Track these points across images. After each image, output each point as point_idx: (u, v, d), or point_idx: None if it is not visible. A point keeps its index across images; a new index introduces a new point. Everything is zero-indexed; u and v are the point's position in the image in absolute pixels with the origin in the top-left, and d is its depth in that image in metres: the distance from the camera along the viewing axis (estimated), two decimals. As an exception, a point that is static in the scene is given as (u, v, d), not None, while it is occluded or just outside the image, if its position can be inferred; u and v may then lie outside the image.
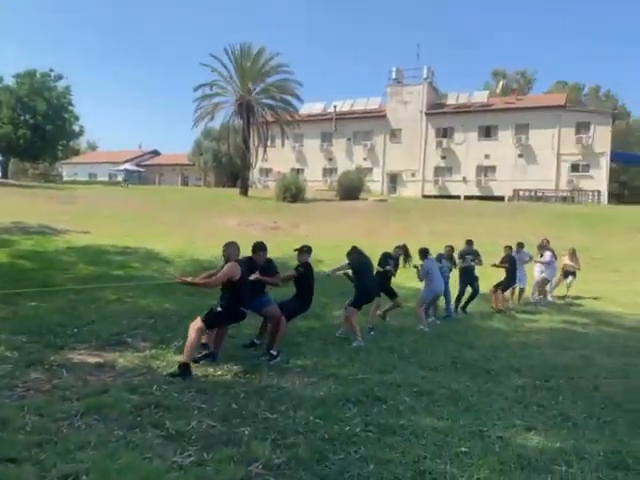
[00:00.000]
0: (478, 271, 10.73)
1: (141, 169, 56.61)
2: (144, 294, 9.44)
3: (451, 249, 10.30)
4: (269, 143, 37.29)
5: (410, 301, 9.50)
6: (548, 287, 12.50)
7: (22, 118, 41.29)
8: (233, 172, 46.04)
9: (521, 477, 3.48)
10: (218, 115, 37.84)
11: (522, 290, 12.01)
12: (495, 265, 11.19)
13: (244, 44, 35.04)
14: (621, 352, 7.57)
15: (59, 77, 43.39)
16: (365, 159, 43.87)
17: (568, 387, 5.67)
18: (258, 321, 6.85)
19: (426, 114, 42.30)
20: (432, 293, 9.08)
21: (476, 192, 39.60)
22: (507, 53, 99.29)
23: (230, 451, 3.60)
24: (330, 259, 11.32)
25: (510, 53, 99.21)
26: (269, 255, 6.47)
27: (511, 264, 11.06)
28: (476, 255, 10.64)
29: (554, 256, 12.47)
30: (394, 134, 43.43)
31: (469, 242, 10.89)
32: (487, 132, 40.79)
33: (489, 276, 11.30)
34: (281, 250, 9.71)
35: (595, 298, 12.64)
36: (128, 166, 53.84)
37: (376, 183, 42.51)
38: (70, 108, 43.62)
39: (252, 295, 6.10)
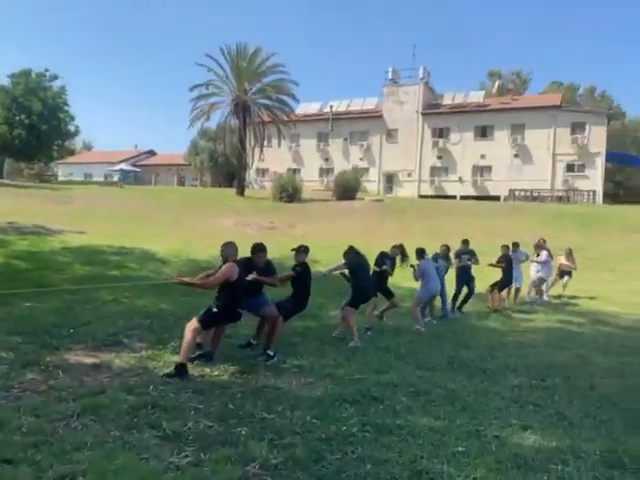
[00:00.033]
0: (474, 271, 10.76)
1: (137, 169, 56.50)
2: (140, 294, 9.42)
3: (447, 248, 10.32)
4: (265, 143, 37.31)
5: (407, 301, 9.51)
6: (544, 287, 12.54)
7: (17, 118, 41.13)
8: (229, 172, 46.01)
9: (518, 476, 3.49)
10: (214, 115, 37.88)
11: (518, 290, 12.04)
12: (491, 265, 11.22)
13: (240, 44, 35.10)
14: (617, 351, 7.60)
15: (54, 77, 43.24)
16: (361, 159, 43.89)
17: (564, 386, 5.69)
18: (255, 321, 6.84)
19: (422, 114, 42.36)
20: (428, 293, 9.08)
21: (472, 192, 39.69)
22: (502, 53, 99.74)
23: (227, 451, 3.59)
24: (327, 259, 11.32)
25: (505, 53, 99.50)
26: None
27: (507, 264, 11.09)
28: (472, 255, 10.67)
29: (550, 256, 12.52)
30: (390, 134, 43.47)
31: (465, 242, 10.92)
32: (483, 132, 40.88)
33: (485, 276, 11.32)
34: (278, 250, 9.69)
35: (591, 298, 12.69)
36: (124, 166, 53.79)
37: (372, 183, 42.55)
38: (65, 108, 43.48)
39: (249, 295, 6.11)
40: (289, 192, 31.87)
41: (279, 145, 40.61)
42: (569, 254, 13.15)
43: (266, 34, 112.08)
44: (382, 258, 8.55)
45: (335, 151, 45.06)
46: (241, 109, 34.54)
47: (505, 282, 11.13)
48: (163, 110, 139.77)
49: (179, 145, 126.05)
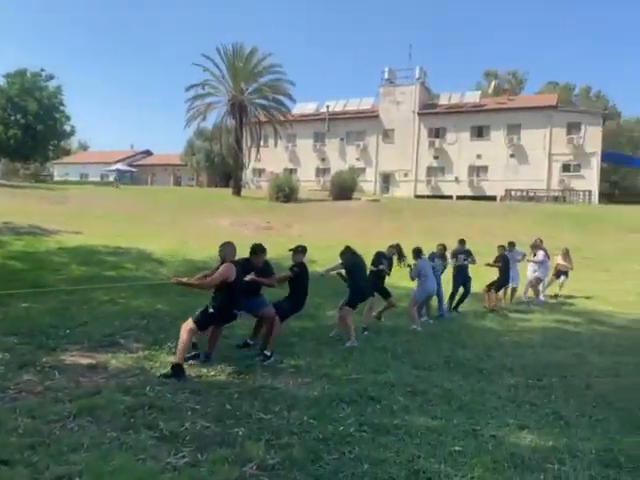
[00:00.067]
0: (471, 270, 10.77)
1: (133, 169, 56.39)
2: (136, 295, 9.39)
3: (443, 247, 10.34)
4: (262, 143, 37.28)
5: (404, 301, 9.52)
6: (541, 286, 12.57)
7: (13, 118, 40.94)
8: (226, 172, 45.95)
9: (514, 475, 3.50)
10: (210, 115, 37.89)
11: (514, 289, 12.07)
12: (488, 264, 11.24)
13: (236, 44, 35.07)
14: (612, 351, 7.63)
15: (50, 77, 43.08)
16: (358, 159, 43.93)
17: (560, 386, 5.71)
18: (251, 322, 6.84)
19: (419, 114, 42.43)
20: (425, 293, 9.10)
21: (468, 192, 39.78)
22: (499, 53, 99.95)
23: (224, 452, 3.59)
24: (323, 259, 11.32)
25: (502, 53, 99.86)
26: (263, 256, 6.46)
27: (504, 264, 11.12)
28: (469, 254, 10.69)
29: (547, 255, 12.56)
30: (387, 134, 43.52)
31: (461, 241, 10.94)
32: (479, 132, 40.98)
33: (482, 276, 11.35)
34: (274, 250, 9.67)
35: (587, 297, 12.73)
36: (120, 166, 53.67)
37: (369, 183, 42.59)
38: (61, 108, 43.30)
39: (247, 296, 6.11)
40: (285, 192, 31.86)
41: (275, 145, 40.58)
42: (566, 254, 13.20)
43: (263, 34, 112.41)
44: (379, 258, 8.55)
45: (332, 151, 45.09)
46: (237, 109, 34.50)
47: (502, 282, 11.16)
48: (159, 110, 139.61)
49: (175, 145, 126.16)
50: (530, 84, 66.99)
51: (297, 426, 4.12)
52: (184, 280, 5.90)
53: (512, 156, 39.57)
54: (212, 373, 5.44)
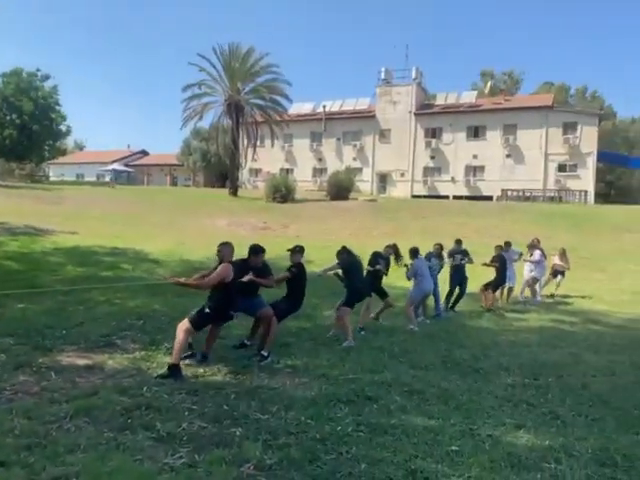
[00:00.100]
0: (468, 270, 10.79)
1: (129, 169, 56.27)
2: (133, 295, 9.37)
3: (440, 247, 10.34)
4: (258, 143, 37.28)
5: (401, 301, 9.53)
6: (537, 286, 12.61)
7: (8, 118, 40.75)
8: (222, 172, 45.91)
9: (511, 475, 3.51)
10: (207, 115, 37.70)
11: (511, 289, 12.09)
12: (485, 264, 11.26)
13: (232, 44, 35.06)
14: (608, 350, 7.66)
15: (46, 77, 42.90)
16: (355, 159, 43.94)
17: (557, 385, 5.73)
18: (248, 322, 6.83)
19: (415, 114, 42.47)
20: (421, 292, 9.11)
21: (465, 192, 39.86)
22: (494, 54, 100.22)
23: (221, 452, 3.59)
24: (320, 259, 11.33)
25: (497, 54, 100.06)
26: (259, 256, 6.45)
27: (501, 263, 11.15)
28: (465, 254, 10.71)
29: (543, 255, 12.59)
30: (383, 134, 43.56)
31: (458, 241, 10.96)
32: (475, 132, 41.05)
33: (478, 276, 11.37)
34: (272, 250, 9.65)
35: (582, 297, 12.78)
36: (116, 166, 53.58)
37: (366, 183, 42.62)
38: (57, 108, 43.17)
39: (245, 297, 6.11)
40: (282, 192, 31.85)
41: (272, 145, 40.55)
42: (563, 254, 13.24)
43: (260, 34, 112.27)
44: (375, 258, 8.56)
45: (328, 151, 45.09)
46: (234, 109, 34.49)
47: (499, 282, 11.19)
48: (156, 110, 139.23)
49: (172, 145, 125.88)
50: (526, 84, 67.30)
51: (294, 426, 4.12)
52: (182, 280, 5.89)
53: (508, 156, 39.66)
54: (209, 373, 5.43)
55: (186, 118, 35.34)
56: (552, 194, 37.25)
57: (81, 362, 5.54)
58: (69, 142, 65.36)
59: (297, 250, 6.76)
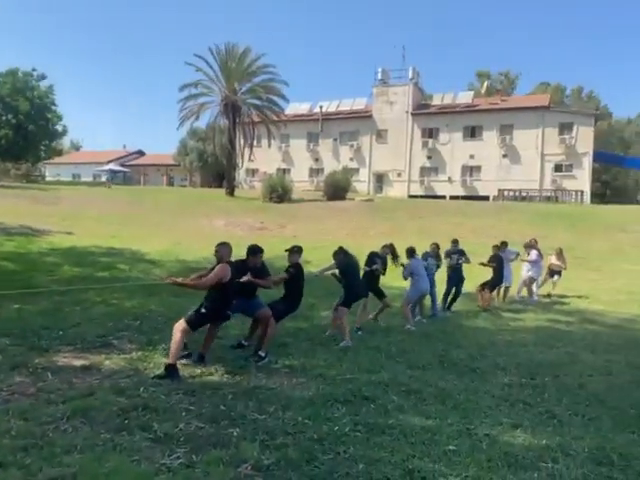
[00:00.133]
0: (465, 270, 10.80)
1: (126, 169, 56.13)
2: (130, 295, 9.36)
3: (437, 247, 10.34)
4: (255, 143, 37.23)
5: (398, 301, 9.53)
6: (534, 286, 12.64)
7: (4, 118, 40.56)
8: (219, 172, 45.86)
9: (508, 474, 3.52)
10: (204, 115, 37.74)
11: (507, 289, 12.12)
12: (482, 264, 11.28)
13: (228, 44, 35.01)
14: (604, 349, 7.68)
15: (42, 77, 42.77)
16: (351, 159, 43.96)
17: (553, 384, 5.74)
18: (245, 322, 6.83)
19: (412, 114, 42.52)
20: (418, 292, 9.11)
21: (461, 192, 39.94)
22: (490, 54, 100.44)
23: (219, 453, 3.58)
24: (317, 259, 11.32)
25: (493, 54, 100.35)
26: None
27: (498, 263, 11.17)
28: (462, 254, 10.72)
29: (540, 255, 12.62)
30: (380, 134, 43.59)
31: (455, 241, 10.98)
32: (472, 132, 41.13)
33: (475, 276, 11.38)
34: (268, 251, 9.65)
35: (579, 296, 12.81)
36: (112, 166, 53.43)
37: (362, 183, 42.63)
38: (53, 108, 43.03)
39: (243, 298, 6.10)
40: (279, 192, 31.83)
41: (269, 145, 40.52)
42: (560, 254, 13.27)
43: (256, 35, 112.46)
44: (372, 258, 8.55)
45: (325, 151, 45.10)
46: (231, 109, 34.45)
47: (495, 282, 11.20)
48: (152, 110, 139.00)
49: (168, 145, 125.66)
50: (522, 85, 67.55)
51: (292, 426, 4.12)
52: (179, 280, 5.88)
53: (505, 156, 39.75)
54: (206, 374, 5.42)
55: (183, 118, 35.30)
56: (548, 194, 37.37)
57: (78, 363, 5.52)
58: (65, 142, 65.14)
59: (295, 250, 6.76)
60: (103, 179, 50.01)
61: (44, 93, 42.19)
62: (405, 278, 9.14)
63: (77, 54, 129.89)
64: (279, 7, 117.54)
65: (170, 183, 55.89)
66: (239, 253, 6.27)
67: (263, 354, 6.01)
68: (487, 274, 11.26)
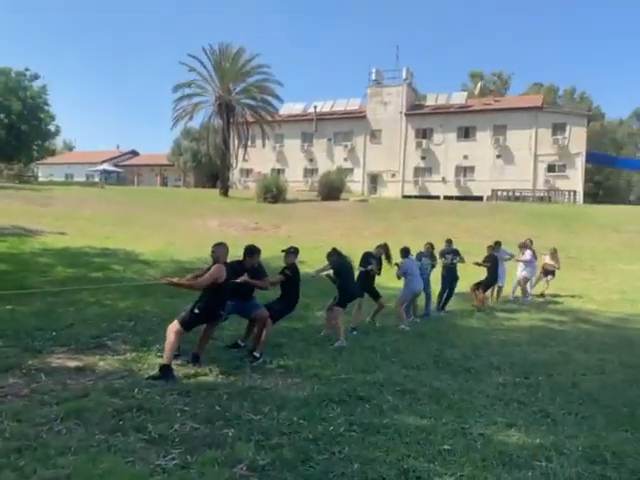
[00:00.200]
0: (460, 269, 10.83)
1: (119, 169, 55.89)
2: (124, 296, 9.31)
3: (431, 246, 10.37)
4: (249, 143, 37.22)
5: (392, 301, 9.54)
6: (528, 285, 12.70)
7: (-4, 118, 40.39)
8: (213, 172, 45.76)
9: (503, 473, 3.53)
10: (197, 115, 37.72)
11: (500, 288, 12.17)
12: (477, 263, 11.33)
13: (222, 44, 34.97)
14: (597, 349, 7.73)
15: (35, 76, 42.59)
16: (346, 159, 43.99)
17: (547, 384, 5.77)
18: (241, 323, 6.82)
19: (406, 115, 42.61)
20: (411, 292, 9.14)
21: (455, 192, 40.07)
22: (483, 55, 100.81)
23: (214, 453, 3.57)
24: (312, 260, 11.32)
25: (487, 54, 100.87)
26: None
27: (493, 263, 11.22)
28: (456, 254, 10.76)
29: (534, 255, 12.69)
30: (374, 135, 43.65)
31: (449, 241, 11.02)
32: (466, 133, 41.28)
33: (469, 275, 11.43)
34: (263, 251, 9.64)
35: (572, 296, 12.88)
36: (106, 166, 53.14)
37: (357, 183, 42.69)
38: (46, 108, 42.83)
39: (240, 299, 6.10)
40: (273, 192, 31.81)
41: (263, 145, 40.50)
42: (554, 253, 13.34)
43: (250, 35, 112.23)
44: (367, 258, 8.56)
45: (319, 151, 45.10)
46: (225, 109, 34.40)
47: (490, 281, 11.26)
48: (146, 110, 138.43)
49: (162, 145, 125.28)
50: (515, 85, 67.82)
51: (287, 426, 4.12)
52: (175, 280, 5.86)
53: (498, 156, 39.92)
54: (201, 374, 5.40)
55: (176, 118, 35.24)
56: (542, 194, 37.56)
57: (71, 364, 5.49)
58: (58, 142, 64.76)
59: (291, 251, 6.76)
60: (96, 179, 49.77)
61: (37, 93, 42.00)
62: (399, 277, 9.17)
63: (72, 54, 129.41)
64: (273, 8, 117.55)
65: (164, 183, 55.72)
66: (233, 253, 6.25)
67: (258, 355, 6.01)
68: (481, 274, 11.31)
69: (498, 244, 12.00)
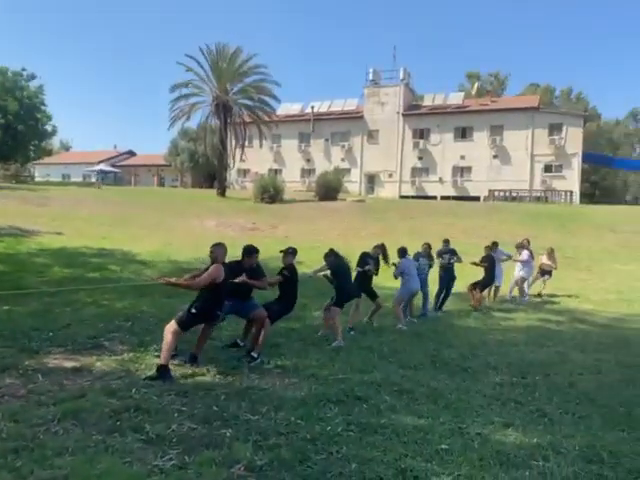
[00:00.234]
0: (457, 269, 10.85)
1: (116, 170, 55.77)
2: (121, 296, 9.30)
3: (428, 246, 10.38)
4: (246, 143, 37.14)
5: (389, 301, 9.56)
6: (525, 285, 12.72)
7: (-7, 118, 40.28)
8: (210, 173, 45.71)
9: (500, 473, 3.53)
10: (195, 115, 37.67)
11: (497, 288, 12.20)
12: (474, 263, 11.35)
13: (219, 44, 34.92)
14: (594, 348, 7.75)
15: (32, 76, 42.48)
16: (343, 160, 44.00)
17: (544, 383, 5.78)
18: (239, 323, 6.81)
19: (403, 115, 42.64)
20: (408, 292, 9.15)
21: (452, 192, 40.11)
22: (480, 55, 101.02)
23: (211, 453, 3.57)
24: (310, 260, 11.33)
25: (484, 54, 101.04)
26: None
27: (490, 263, 11.24)
28: (454, 253, 10.77)
29: (531, 255, 12.72)
30: (371, 135, 43.67)
31: (446, 241, 11.03)
32: (463, 133, 41.33)
33: (466, 275, 11.44)
34: (261, 251, 9.65)
35: (569, 296, 12.91)
36: (103, 167, 53.03)
37: (354, 184, 42.69)
38: (43, 108, 42.72)
39: (238, 299, 6.08)
40: (271, 193, 31.79)
41: (260, 146, 40.44)
42: (550, 253, 13.37)
43: (248, 35, 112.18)
44: (364, 258, 8.57)
45: (316, 152, 45.10)
46: (222, 109, 34.35)
47: (487, 281, 11.28)
48: (143, 110, 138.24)
49: (159, 146, 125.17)
50: (512, 86, 67.95)
51: (284, 426, 4.12)
52: (172, 280, 5.85)
53: (495, 157, 39.99)
54: (198, 374, 5.40)
55: (173, 118, 35.15)
56: (538, 194, 37.63)
57: (68, 364, 5.48)
58: (55, 142, 64.87)
59: (290, 252, 6.76)
60: (93, 179, 49.67)
61: (34, 93, 41.91)
62: (396, 277, 9.18)
63: (71, 54, 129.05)
64: (269, 7, 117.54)
65: (161, 184, 55.62)
66: (231, 254, 6.24)
67: (255, 355, 6.00)
68: (478, 274, 11.32)
69: (495, 244, 12.03)
